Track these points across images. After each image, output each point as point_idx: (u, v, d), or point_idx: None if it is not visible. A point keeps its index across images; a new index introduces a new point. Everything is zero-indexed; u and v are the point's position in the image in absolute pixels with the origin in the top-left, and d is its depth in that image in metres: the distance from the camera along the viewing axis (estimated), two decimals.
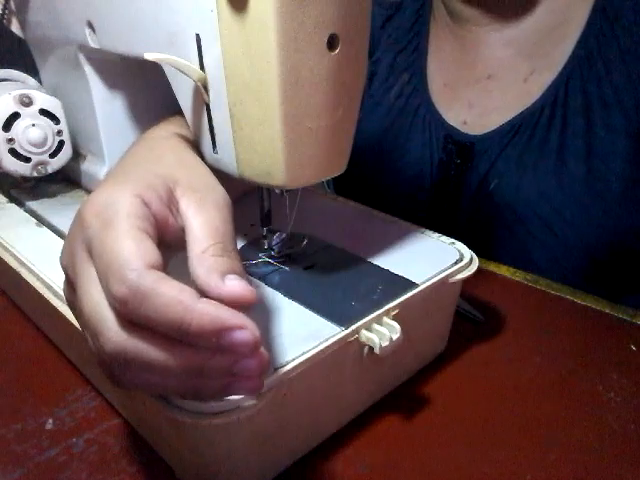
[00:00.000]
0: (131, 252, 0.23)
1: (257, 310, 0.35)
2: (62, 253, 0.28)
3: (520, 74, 0.59)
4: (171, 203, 0.28)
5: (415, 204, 0.67)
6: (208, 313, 0.23)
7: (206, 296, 0.24)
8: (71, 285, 0.27)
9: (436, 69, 0.66)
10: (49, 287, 0.38)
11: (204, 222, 0.27)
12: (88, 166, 0.52)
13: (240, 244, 0.43)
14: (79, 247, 0.26)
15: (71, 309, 0.29)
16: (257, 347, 0.24)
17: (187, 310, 0.23)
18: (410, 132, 0.66)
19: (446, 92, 0.65)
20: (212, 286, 0.25)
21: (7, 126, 0.46)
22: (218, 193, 0.30)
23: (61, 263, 0.28)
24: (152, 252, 0.24)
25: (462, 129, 0.62)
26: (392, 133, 0.68)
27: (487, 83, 0.61)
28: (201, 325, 0.23)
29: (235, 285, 0.25)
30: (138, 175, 0.29)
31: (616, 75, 0.52)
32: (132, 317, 0.23)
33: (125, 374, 0.24)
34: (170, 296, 0.23)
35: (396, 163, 0.67)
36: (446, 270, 0.39)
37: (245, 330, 0.23)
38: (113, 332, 0.23)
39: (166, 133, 0.37)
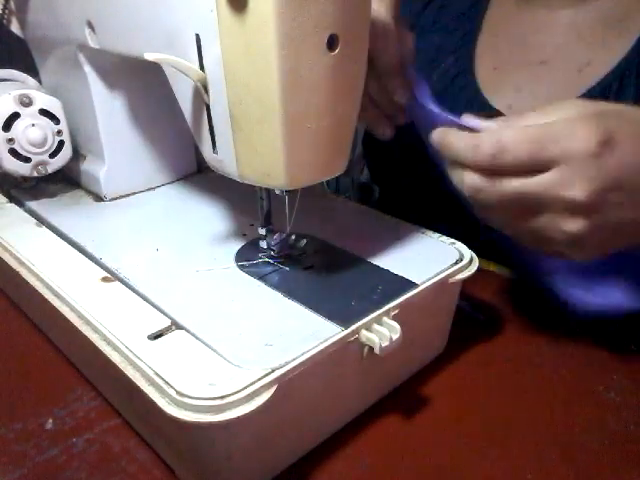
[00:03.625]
0: None
1: (257, 310, 0.35)
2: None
3: (575, 63, 0.58)
4: None
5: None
6: None
7: None
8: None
9: (486, 52, 0.65)
10: (49, 287, 0.38)
11: None
12: (88, 166, 0.52)
13: (240, 244, 0.43)
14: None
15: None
16: None
17: None
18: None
19: (494, 75, 0.63)
20: None
21: (7, 126, 0.46)
22: None
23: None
24: None
25: (506, 113, 0.61)
26: None
27: (539, 69, 0.60)
28: None
29: None
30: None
31: None
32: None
33: None
34: None
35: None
36: (446, 270, 0.39)
37: None
38: None
39: None
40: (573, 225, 0.34)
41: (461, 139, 0.35)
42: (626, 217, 0.35)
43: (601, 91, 0.55)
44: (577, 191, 0.32)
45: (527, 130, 0.33)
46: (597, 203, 0.33)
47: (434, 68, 0.68)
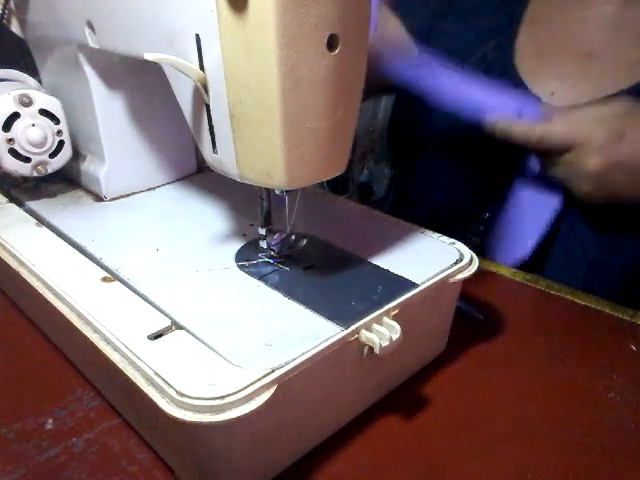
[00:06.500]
0: None
1: (257, 310, 0.35)
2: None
3: (626, 59, 0.58)
4: None
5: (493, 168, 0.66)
6: None
7: None
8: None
9: (528, 38, 0.64)
10: (49, 287, 0.38)
11: None
12: (88, 166, 0.52)
13: (240, 244, 0.43)
14: None
15: None
16: None
17: None
18: None
19: (536, 61, 0.63)
20: None
21: (7, 126, 0.46)
22: None
23: None
24: None
25: (548, 100, 0.61)
26: None
27: (587, 60, 0.60)
28: None
29: None
30: None
31: None
32: None
33: None
34: None
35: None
36: (446, 270, 0.39)
37: None
38: None
39: None
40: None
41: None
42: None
43: None
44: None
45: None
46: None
47: (471, 53, 0.67)
